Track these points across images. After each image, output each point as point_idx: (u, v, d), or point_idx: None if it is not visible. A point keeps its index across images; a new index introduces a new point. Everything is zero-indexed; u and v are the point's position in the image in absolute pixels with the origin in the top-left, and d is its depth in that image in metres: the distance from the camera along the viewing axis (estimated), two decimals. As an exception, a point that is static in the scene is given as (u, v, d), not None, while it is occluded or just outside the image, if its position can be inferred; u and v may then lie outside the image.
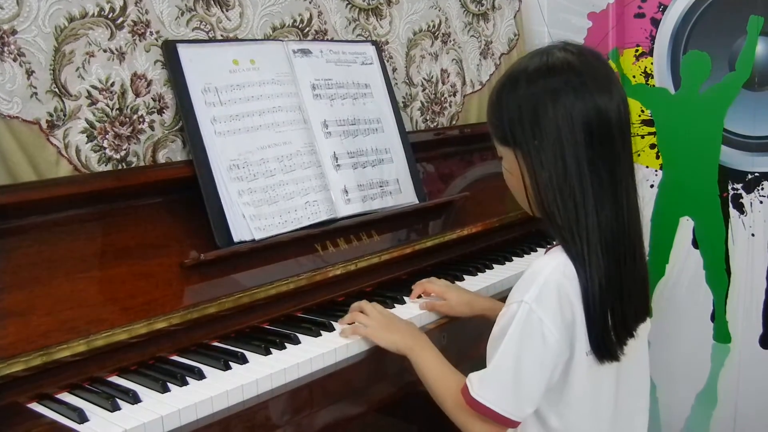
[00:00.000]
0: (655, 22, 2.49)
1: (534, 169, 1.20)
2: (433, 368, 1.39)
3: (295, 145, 1.78)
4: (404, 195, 2.00)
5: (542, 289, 1.17)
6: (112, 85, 1.62)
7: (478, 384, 1.24)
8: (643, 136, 2.54)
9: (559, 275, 1.18)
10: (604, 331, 1.19)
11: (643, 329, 1.29)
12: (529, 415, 1.24)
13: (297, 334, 1.53)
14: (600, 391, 1.25)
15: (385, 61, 2.15)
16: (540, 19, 2.66)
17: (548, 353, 1.18)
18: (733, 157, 2.40)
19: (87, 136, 1.59)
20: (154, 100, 1.69)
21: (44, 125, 1.53)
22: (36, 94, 1.51)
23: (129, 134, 1.66)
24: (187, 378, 1.34)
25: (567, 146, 1.16)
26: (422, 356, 1.41)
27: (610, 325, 1.19)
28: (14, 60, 1.47)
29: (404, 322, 1.53)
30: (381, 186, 1.95)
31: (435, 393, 1.36)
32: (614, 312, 1.20)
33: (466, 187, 2.24)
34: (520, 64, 1.25)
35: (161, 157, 1.71)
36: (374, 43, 2.10)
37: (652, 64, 2.52)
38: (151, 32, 1.67)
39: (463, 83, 2.48)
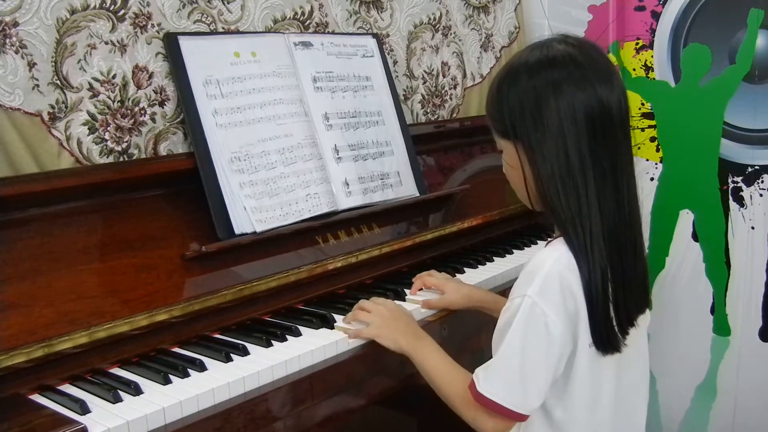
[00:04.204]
0: (656, 15, 2.49)
1: (536, 161, 1.20)
2: (438, 366, 1.38)
3: (296, 138, 1.78)
4: (405, 187, 2.00)
5: (544, 281, 1.17)
6: (114, 77, 1.62)
7: (484, 379, 1.23)
8: (643, 129, 2.54)
9: (561, 267, 1.18)
10: (606, 323, 1.19)
11: (643, 321, 1.29)
12: (536, 409, 1.24)
13: (298, 326, 1.53)
14: (601, 383, 1.25)
15: (386, 54, 2.15)
16: (540, 11, 2.66)
17: (553, 345, 1.18)
18: (733, 150, 2.40)
19: (88, 128, 1.59)
20: (155, 92, 1.69)
21: (46, 117, 1.53)
22: (38, 86, 1.51)
23: (130, 126, 1.66)
24: (189, 370, 1.35)
25: (569, 138, 1.16)
26: (426, 356, 1.40)
27: (612, 316, 1.20)
28: (16, 52, 1.47)
29: (406, 319, 1.52)
30: (382, 178, 1.95)
31: (442, 392, 1.35)
32: (617, 303, 1.20)
33: (467, 179, 2.24)
34: (520, 57, 1.25)
35: (162, 149, 1.71)
36: (375, 35, 2.10)
37: (652, 57, 2.52)
38: (152, 24, 1.67)
39: (464, 76, 2.48)
